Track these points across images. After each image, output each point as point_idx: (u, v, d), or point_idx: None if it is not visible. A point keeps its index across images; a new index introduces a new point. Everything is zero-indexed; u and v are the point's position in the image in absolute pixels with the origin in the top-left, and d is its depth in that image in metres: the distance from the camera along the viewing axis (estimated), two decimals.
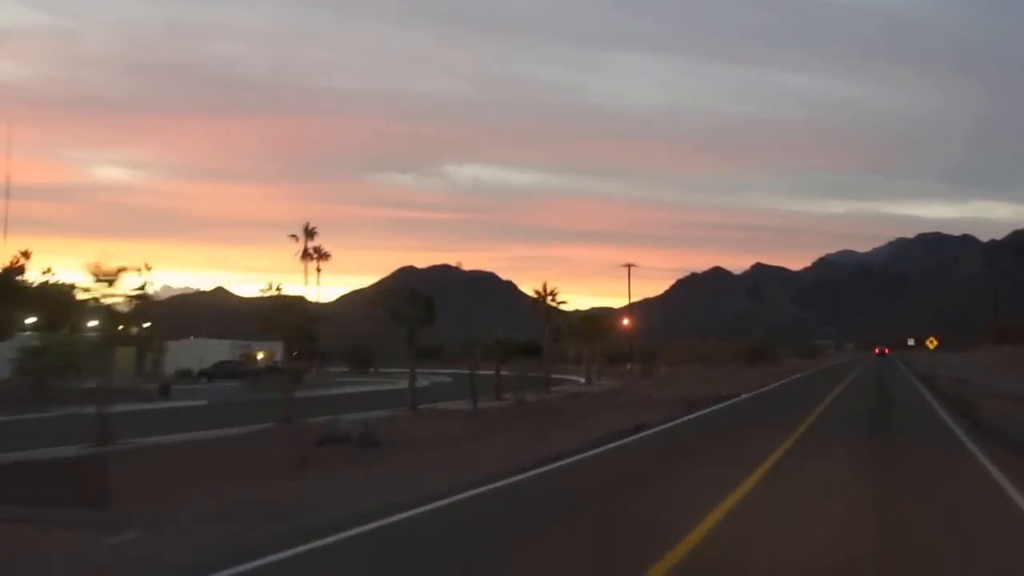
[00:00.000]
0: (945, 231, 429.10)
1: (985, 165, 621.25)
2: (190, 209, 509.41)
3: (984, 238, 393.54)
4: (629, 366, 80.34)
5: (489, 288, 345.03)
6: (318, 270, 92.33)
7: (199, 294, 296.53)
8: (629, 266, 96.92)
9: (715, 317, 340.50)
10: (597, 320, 70.88)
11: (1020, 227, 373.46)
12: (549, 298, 54.77)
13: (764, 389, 46.93)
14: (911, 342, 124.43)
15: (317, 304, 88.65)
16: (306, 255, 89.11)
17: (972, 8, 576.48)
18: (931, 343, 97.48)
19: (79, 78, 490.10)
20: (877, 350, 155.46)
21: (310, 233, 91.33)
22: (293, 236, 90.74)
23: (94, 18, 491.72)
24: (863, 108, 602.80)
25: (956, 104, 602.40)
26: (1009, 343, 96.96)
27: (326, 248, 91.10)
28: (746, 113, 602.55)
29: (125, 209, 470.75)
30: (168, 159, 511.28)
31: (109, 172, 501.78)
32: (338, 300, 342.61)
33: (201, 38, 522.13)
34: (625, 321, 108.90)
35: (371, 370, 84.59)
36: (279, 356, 64.11)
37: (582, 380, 59.33)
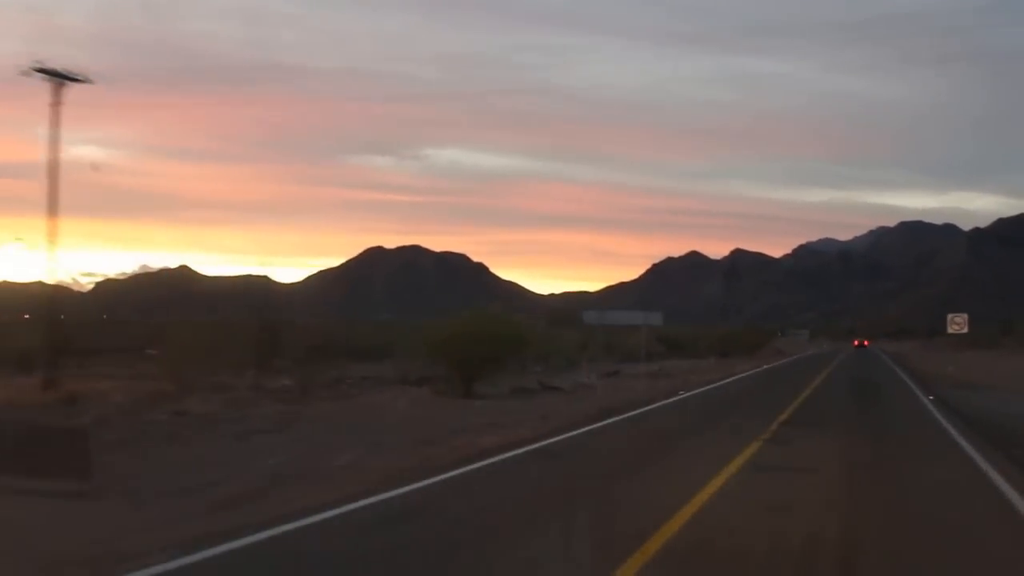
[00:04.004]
0: (927, 220, 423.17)
1: (966, 155, 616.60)
2: (166, 188, 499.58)
3: (966, 227, 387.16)
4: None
5: (459, 269, 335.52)
6: None
7: (162, 272, 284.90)
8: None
9: (691, 302, 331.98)
10: None
11: (1004, 215, 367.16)
12: None
13: None
14: (958, 324, 62.71)
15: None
16: None
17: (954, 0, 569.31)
18: None
19: (54, 54, 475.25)
20: (856, 342, 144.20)
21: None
22: None
23: None
24: (844, 97, 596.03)
25: (938, 94, 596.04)
26: None
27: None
28: (727, 100, 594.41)
29: (101, 188, 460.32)
30: (144, 139, 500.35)
31: (85, 151, 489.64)
32: (306, 279, 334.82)
33: (178, 17, 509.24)
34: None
35: None
36: None
37: None
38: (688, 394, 29.47)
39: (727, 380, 39.02)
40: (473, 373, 28.39)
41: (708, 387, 33.76)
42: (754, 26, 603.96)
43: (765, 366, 57.89)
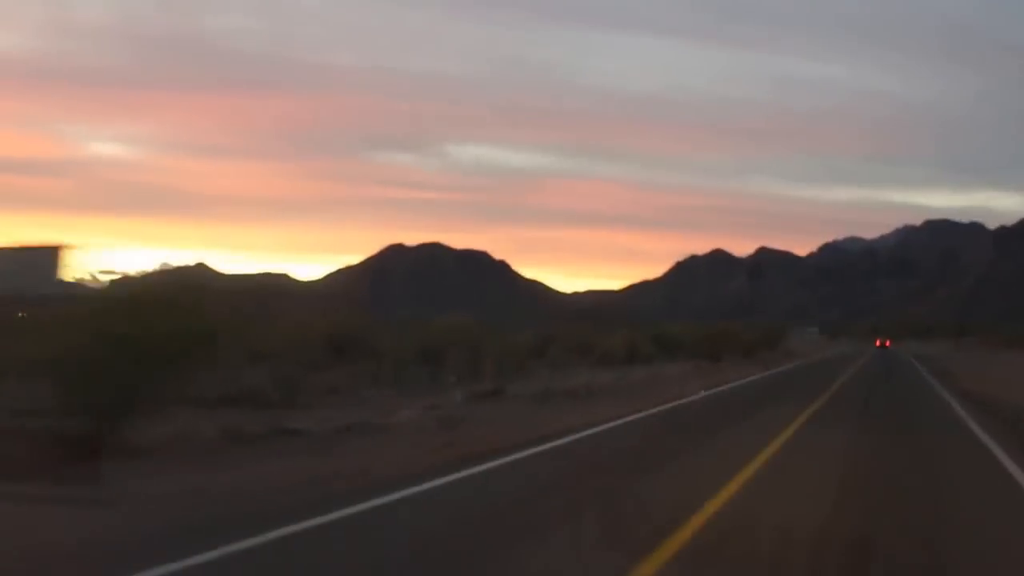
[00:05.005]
0: (953, 218, 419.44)
1: (992, 154, 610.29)
2: (187, 185, 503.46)
3: (992, 226, 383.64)
4: None
5: (481, 268, 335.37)
6: None
7: (179, 270, 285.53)
8: None
9: (715, 300, 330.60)
10: None
11: None
12: None
13: None
14: None
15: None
16: None
17: None
18: None
19: (75, 51, 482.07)
20: (879, 342, 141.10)
21: None
22: None
23: None
24: (870, 95, 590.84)
25: (963, 92, 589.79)
26: None
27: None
28: (753, 97, 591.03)
29: (122, 185, 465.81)
30: (165, 135, 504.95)
31: (106, 147, 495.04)
32: (326, 277, 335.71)
33: (199, 12, 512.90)
34: None
35: None
36: None
37: None
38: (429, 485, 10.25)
39: (634, 417, 19.49)
40: (119, 405, 12.21)
41: (555, 444, 14.52)
42: (781, 23, 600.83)
43: (725, 385, 32.46)
